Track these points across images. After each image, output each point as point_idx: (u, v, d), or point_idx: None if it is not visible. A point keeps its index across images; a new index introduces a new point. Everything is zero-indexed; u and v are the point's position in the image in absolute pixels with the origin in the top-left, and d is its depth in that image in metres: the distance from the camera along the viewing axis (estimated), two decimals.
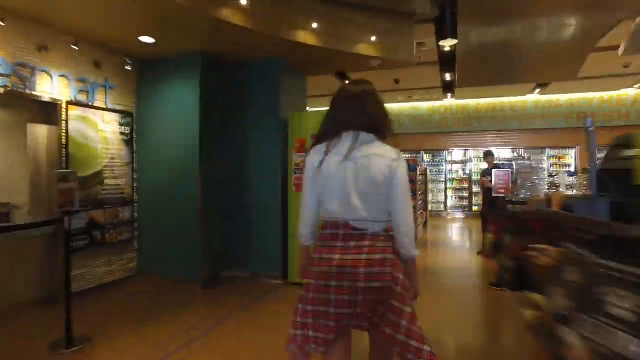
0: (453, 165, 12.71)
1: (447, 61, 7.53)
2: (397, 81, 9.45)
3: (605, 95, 10.91)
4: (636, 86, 10.33)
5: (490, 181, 5.09)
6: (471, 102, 11.99)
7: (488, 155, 6.73)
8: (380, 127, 1.72)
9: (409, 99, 11.97)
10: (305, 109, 6.26)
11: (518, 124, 11.48)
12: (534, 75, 6.89)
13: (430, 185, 11.57)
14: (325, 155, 1.68)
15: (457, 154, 12.60)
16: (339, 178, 1.65)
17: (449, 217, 12.50)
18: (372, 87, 1.77)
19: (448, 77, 8.82)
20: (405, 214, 1.67)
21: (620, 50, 5.87)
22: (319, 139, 1.76)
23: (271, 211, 5.14)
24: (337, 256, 1.61)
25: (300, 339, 1.66)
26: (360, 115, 1.70)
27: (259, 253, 5.20)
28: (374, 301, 1.60)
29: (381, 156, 1.65)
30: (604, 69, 6.37)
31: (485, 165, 6.92)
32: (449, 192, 12.66)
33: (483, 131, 11.99)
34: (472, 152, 12.34)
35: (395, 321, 1.60)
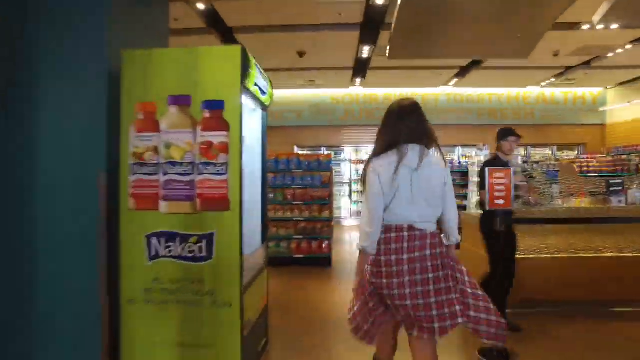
0: (359, 165, 11.04)
1: (373, 22, 5.72)
2: (301, 54, 7.36)
3: (513, 91, 10.48)
4: (543, 83, 9.96)
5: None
6: (380, 93, 10.55)
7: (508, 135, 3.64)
8: (433, 139, 2.05)
9: (311, 84, 9.99)
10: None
11: (429, 119, 10.45)
12: (482, 48, 5.37)
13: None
14: (398, 164, 1.92)
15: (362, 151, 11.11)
16: (409, 186, 1.94)
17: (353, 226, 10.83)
18: (419, 105, 2.10)
19: (366, 51, 7.08)
20: (455, 210, 2.09)
21: (596, 18, 4.59)
22: (384, 149, 2.01)
23: (75, 252, 2.43)
24: (405, 256, 1.91)
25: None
26: (422, 129, 2.03)
27: (48, 338, 2.43)
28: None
29: (437, 165, 2.00)
30: (532, 58, 5.29)
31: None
32: (354, 197, 11.03)
33: None
34: None
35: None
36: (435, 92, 10.64)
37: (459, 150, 11.04)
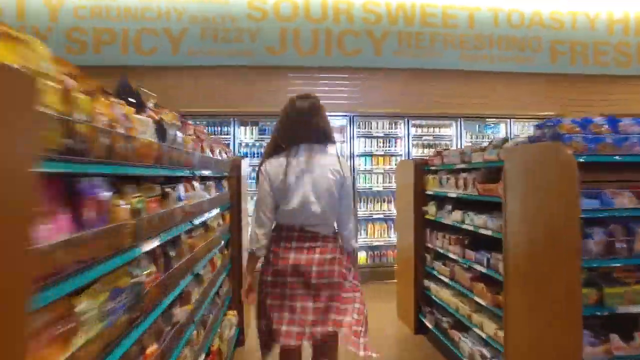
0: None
1: None
2: None
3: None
4: None
5: None
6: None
7: None
8: (329, 138, 2.05)
9: None
10: None
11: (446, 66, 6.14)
12: None
13: None
14: (286, 167, 1.92)
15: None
16: (300, 187, 1.92)
17: None
18: (319, 102, 2.08)
19: None
20: (349, 215, 2.06)
21: None
22: (274, 150, 2.02)
23: None
24: (292, 255, 1.92)
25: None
26: (314, 129, 2.00)
27: None
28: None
29: (332, 165, 1.97)
30: None
31: None
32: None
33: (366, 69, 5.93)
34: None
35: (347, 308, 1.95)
36: (467, 6, 5.91)
37: (508, 126, 6.32)
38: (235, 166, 3.83)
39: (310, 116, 2.00)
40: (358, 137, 6.04)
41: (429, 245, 3.84)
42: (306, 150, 1.96)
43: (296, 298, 1.90)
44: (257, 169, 2.05)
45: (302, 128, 1.99)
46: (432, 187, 3.85)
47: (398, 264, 4.72)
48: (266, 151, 2.08)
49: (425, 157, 4.50)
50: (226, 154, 3.85)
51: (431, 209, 3.79)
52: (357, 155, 6.00)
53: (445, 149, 4.25)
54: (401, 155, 6.26)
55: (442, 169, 3.70)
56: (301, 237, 1.94)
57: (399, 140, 6.24)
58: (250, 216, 2.34)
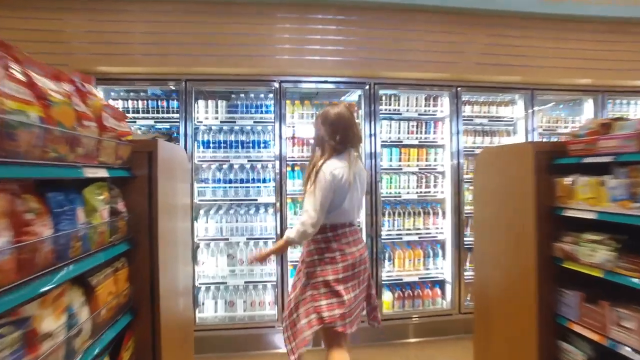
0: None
1: None
2: None
3: None
4: None
5: None
6: None
7: None
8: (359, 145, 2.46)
9: None
10: None
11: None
12: None
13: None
14: (349, 169, 2.27)
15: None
16: (356, 187, 2.33)
17: None
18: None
19: None
20: None
21: None
22: (334, 151, 2.31)
23: None
24: (354, 249, 2.33)
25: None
26: (357, 135, 2.39)
27: None
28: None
29: (363, 169, 2.47)
30: None
31: None
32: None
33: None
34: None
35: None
36: None
37: (599, 102, 4.39)
38: (147, 156, 1.72)
39: (353, 123, 2.36)
40: (381, 118, 3.97)
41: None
42: (352, 154, 2.34)
43: (357, 287, 2.34)
44: (313, 167, 2.28)
45: (350, 134, 2.33)
46: (589, 202, 1.81)
47: (481, 312, 2.71)
48: (324, 152, 2.32)
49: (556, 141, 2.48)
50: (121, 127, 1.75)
51: (593, 252, 1.76)
52: (381, 146, 3.93)
53: (618, 118, 2.10)
54: (443, 145, 4.21)
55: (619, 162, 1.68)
56: (351, 232, 2.35)
57: (439, 125, 4.19)
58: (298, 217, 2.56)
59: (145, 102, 3.78)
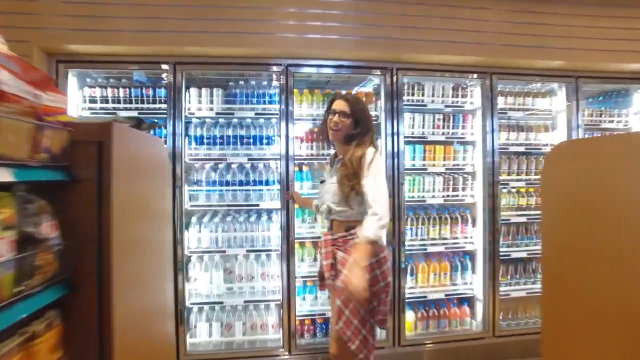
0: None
1: None
2: None
3: None
4: None
5: None
6: None
7: None
8: None
9: None
10: None
11: None
12: None
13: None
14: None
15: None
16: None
17: None
18: None
19: None
20: None
21: None
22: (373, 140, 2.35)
23: None
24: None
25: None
26: None
27: None
28: None
29: None
30: None
31: None
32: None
33: None
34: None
35: None
36: None
37: None
38: (97, 149, 1.14)
39: None
40: (403, 110, 3.41)
41: None
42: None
43: None
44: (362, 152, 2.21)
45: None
46: None
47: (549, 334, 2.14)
48: (368, 137, 2.31)
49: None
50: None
51: None
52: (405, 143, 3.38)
53: None
54: (473, 142, 3.66)
55: None
56: None
57: (468, 118, 3.64)
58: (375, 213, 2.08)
59: (127, 90, 3.21)
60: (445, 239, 3.57)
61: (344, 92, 3.55)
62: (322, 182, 2.49)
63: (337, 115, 2.30)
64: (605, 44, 3.40)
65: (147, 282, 1.51)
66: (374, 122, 3.22)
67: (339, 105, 2.33)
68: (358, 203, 2.22)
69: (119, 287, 1.15)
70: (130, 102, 3.21)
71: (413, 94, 3.51)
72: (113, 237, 1.11)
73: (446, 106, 3.60)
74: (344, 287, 2.06)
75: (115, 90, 3.19)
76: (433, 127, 3.57)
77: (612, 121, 3.87)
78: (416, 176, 3.57)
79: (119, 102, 3.19)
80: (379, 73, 3.32)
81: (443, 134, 3.58)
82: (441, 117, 3.59)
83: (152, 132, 3.26)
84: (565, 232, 2.10)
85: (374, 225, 2.04)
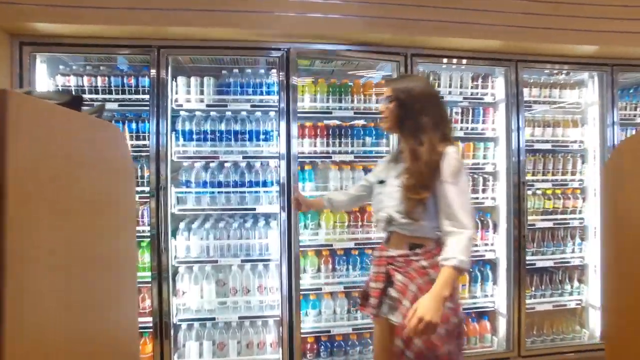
0: None
1: None
2: None
3: None
4: None
5: None
6: None
7: None
8: None
9: None
10: None
11: None
12: None
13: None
14: None
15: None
16: None
17: None
18: None
19: None
20: None
21: None
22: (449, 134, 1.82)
23: None
24: None
25: None
26: None
27: None
28: None
29: None
30: None
31: None
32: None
33: None
34: None
35: None
36: None
37: None
38: None
39: None
40: None
41: None
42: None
43: None
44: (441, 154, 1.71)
45: None
46: None
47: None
48: (438, 133, 1.76)
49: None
50: None
51: None
52: None
53: None
54: (494, 139, 3.29)
55: None
56: None
57: (489, 112, 3.26)
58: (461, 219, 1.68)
59: (106, 79, 2.83)
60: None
61: (358, 80, 3.18)
62: (381, 182, 1.98)
63: (383, 103, 1.90)
64: None
65: (87, 306, 1.13)
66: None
67: (384, 89, 1.92)
68: (430, 215, 1.75)
69: (18, 313, 0.78)
70: (110, 93, 2.83)
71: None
72: (8, 245, 0.73)
73: (464, 98, 3.23)
74: (405, 324, 1.61)
75: (93, 79, 2.81)
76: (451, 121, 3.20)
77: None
78: None
79: (96, 92, 2.81)
80: (392, 59, 2.95)
81: (461, 129, 3.21)
82: (459, 110, 3.22)
83: (135, 125, 2.89)
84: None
85: (464, 244, 1.62)
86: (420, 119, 1.76)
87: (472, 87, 3.23)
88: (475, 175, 3.27)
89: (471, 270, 3.27)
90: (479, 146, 3.26)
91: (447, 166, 1.69)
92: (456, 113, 3.21)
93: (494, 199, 3.26)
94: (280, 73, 2.83)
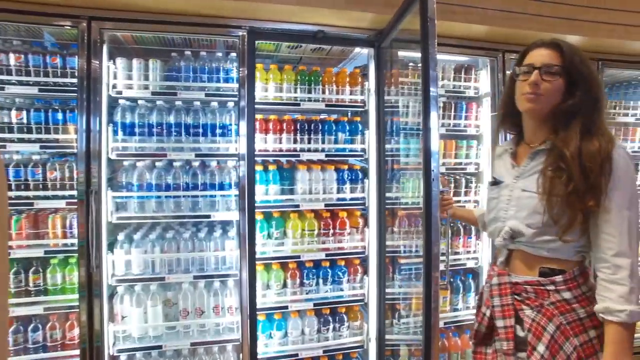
0: None
1: None
2: None
3: None
4: None
5: None
6: None
7: None
8: None
9: None
10: None
11: None
12: None
13: None
14: None
15: None
16: None
17: None
18: None
19: None
20: None
21: None
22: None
23: None
24: None
25: None
26: None
27: None
28: None
29: None
30: None
31: None
32: None
33: None
34: None
35: None
36: None
37: None
38: None
39: None
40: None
41: None
42: None
43: None
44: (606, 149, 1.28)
45: None
46: None
47: None
48: (603, 124, 1.35)
49: None
50: None
51: None
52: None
53: None
54: (477, 136, 3.03)
55: None
56: None
57: (472, 107, 3.00)
58: None
59: (21, 57, 2.30)
60: (443, 254, 2.91)
61: (330, 67, 2.80)
62: (495, 183, 1.56)
63: (535, 72, 1.36)
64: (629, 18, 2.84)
65: None
66: (362, 109, 2.51)
67: (541, 56, 1.39)
68: (579, 232, 1.33)
69: None
70: (28, 74, 2.30)
71: (407, 75, 2.82)
72: None
73: (446, 91, 2.94)
74: None
75: (3, 55, 2.27)
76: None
77: (626, 114, 3.36)
78: (410, 177, 2.88)
79: (9, 73, 2.28)
80: (369, 44, 2.61)
81: (442, 125, 2.92)
82: (441, 105, 2.93)
83: (62, 115, 2.38)
84: None
85: (629, 287, 1.22)
86: (589, 100, 1.33)
87: (454, 80, 2.95)
88: (457, 177, 2.99)
89: (452, 280, 2.99)
90: (462, 144, 2.99)
91: (615, 168, 1.27)
92: (438, 107, 2.91)
93: (476, 202, 3.00)
94: (242, 56, 2.41)
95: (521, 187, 1.43)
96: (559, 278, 1.35)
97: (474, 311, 2.90)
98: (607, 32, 2.79)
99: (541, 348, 1.31)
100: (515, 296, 1.41)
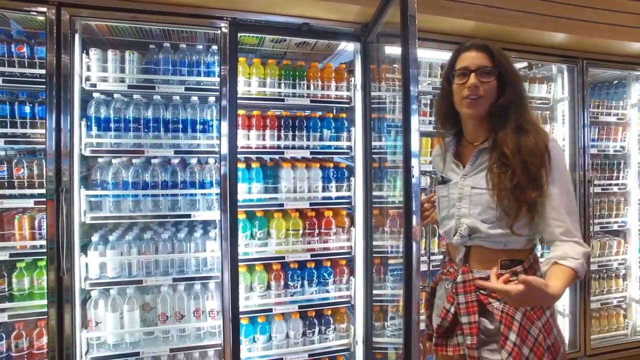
0: None
1: None
2: None
3: None
4: None
5: None
6: None
7: None
8: None
9: None
10: None
11: None
12: None
13: None
14: None
15: None
16: None
17: None
18: None
19: None
20: None
21: None
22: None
23: None
24: None
25: None
26: None
27: None
28: None
29: None
30: None
31: None
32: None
33: None
34: None
35: None
36: None
37: None
38: None
39: None
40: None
41: None
42: None
43: None
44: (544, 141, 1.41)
45: None
46: None
47: None
48: (532, 117, 1.51)
49: None
50: None
51: None
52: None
53: None
54: None
55: None
56: None
57: None
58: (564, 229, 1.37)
59: None
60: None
61: (315, 62, 2.71)
62: (444, 181, 1.59)
63: (472, 75, 1.42)
64: (625, 18, 2.84)
65: None
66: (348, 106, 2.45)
67: (473, 58, 1.45)
68: (528, 222, 1.41)
69: None
70: None
71: (394, 71, 2.76)
72: None
73: (434, 88, 2.90)
74: None
75: None
76: (419, 114, 2.85)
77: (609, 114, 3.39)
78: (396, 176, 2.82)
79: None
80: (355, 39, 2.54)
81: (430, 122, 2.87)
82: (427, 102, 2.88)
83: (29, 108, 2.23)
84: None
85: (581, 257, 1.32)
86: (517, 96, 1.43)
87: (441, 76, 2.90)
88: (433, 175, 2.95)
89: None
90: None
91: (554, 158, 1.38)
92: (424, 104, 2.87)
93: None
94: (224, 49, 2.31)
95: (470, 184, 1.49)
96: (519, 268, 1.43)
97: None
98: (589, 31, 2.79)
99: (513, 336, 1.37)
100: (481, 291, 1.45)
